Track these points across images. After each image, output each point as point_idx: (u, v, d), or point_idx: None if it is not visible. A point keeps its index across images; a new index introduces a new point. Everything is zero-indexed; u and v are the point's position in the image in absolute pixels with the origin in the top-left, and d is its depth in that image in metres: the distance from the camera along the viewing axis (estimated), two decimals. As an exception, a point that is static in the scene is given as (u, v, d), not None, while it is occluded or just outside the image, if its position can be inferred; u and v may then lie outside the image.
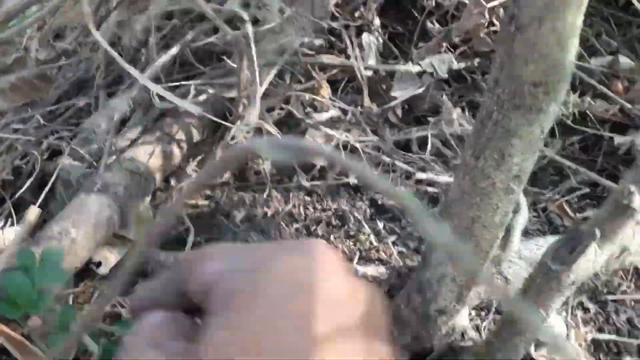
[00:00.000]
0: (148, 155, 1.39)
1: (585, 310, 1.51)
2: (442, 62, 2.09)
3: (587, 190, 1.81)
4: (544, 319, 1.02)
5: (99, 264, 1.27)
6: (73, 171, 1.29)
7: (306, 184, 1.72)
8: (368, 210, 1.72)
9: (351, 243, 1.56)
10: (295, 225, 1.60)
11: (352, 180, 1.72)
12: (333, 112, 1.83)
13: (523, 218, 1.57)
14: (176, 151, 1.49)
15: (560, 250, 0.99)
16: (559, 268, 0.97)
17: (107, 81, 1.55)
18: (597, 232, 0.95)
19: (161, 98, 1.40)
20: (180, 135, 1.51)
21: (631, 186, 0.93)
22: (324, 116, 1.81)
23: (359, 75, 1.80)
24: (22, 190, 1.30)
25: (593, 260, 0.96)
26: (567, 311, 1.47)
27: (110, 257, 1.29)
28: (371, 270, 1.37)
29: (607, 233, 0.97)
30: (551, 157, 1.92)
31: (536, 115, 0.94)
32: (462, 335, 1.22)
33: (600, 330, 1.45)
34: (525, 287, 1.02)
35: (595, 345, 1.41)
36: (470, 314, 1.31)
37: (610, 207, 0.97)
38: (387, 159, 1.79)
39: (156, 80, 1.51)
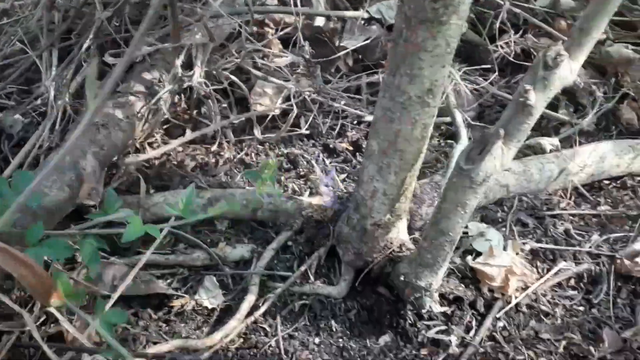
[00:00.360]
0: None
1: (524, 225, 1.61)
2: (390, 8, 2.17)
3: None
4: (462, 216, 1.12)
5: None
6: (15, 125, 1.37)
7: (259, 135, 1.79)
8: (321, 154, 1.81)
9: (302, 182, 1.66)
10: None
11: (305, 130, 1.81)
12: (283, 61, 1.90)
13: (463, 146, 1.67)
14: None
15: (471, 152, 1.08)
16: (470, 167, 1.06)
17: (51, 40, 1.58)
18: (501, 131, 1.04)
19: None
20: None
21: (527, 85, 1.02)
22: (274, 65, 1.88)
23: (300, 26, 1.85)
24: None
25: (500, 157, 1.05)
26: (505, 226, 1.58)
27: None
28: (316, 200, 1.47)
29: (511, 131, 1.05)
30: (494, 93, 2.03)
31: (439, 27, 1.02)
32: (401, 247, 1.32)
33: (538, 241, 1.56)
34: (446, 188, 1.12)
35: (534, 254, 1.52)
36: (412, 234, 1.40)
37: (511, 108, 1.05)
38: (338, 105, 1.88)
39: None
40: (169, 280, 1.37)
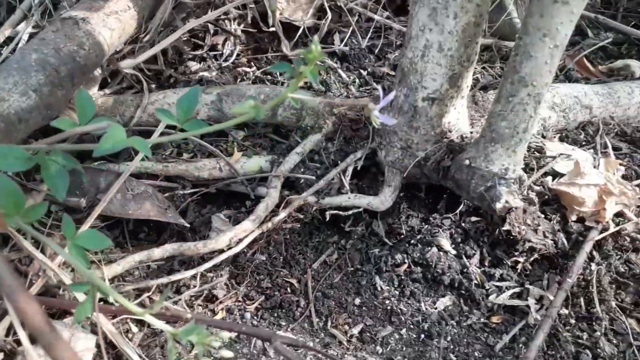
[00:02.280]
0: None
1: (616, 149, 1.27)
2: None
3: (608, 42, 1.61)
4: (551, 53, 0.81)
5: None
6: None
7: (288, 51, 1.51)
8: (357, 79, 1.50)
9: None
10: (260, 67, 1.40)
11: (342, 46, 1.52)
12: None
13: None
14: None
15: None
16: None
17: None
18: None
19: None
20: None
21: None
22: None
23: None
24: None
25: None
26: (594, 148, 1.24)
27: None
28: (351, 100, 1.17)
29: None
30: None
31: None
32: (462, 138, 1.00)
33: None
34: (527, 15, 0.82)
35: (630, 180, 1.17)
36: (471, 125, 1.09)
37: None
38: (379, 19, 1.58)
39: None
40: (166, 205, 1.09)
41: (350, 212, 1.04)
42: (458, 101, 0.99)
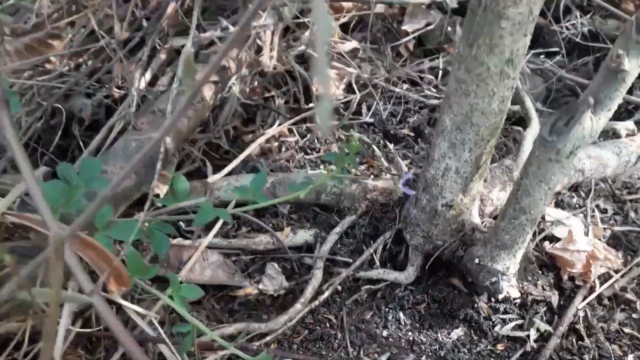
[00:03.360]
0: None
1: (603, 211, 1.51)
2: (451, -8, 2.10)
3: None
4: (545, 193, 1.04)
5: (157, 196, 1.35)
6: (85, 108, 1.37)
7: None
8: (381, 140, 1.75)
9: (364, 168, 1.60)
10: (310, 157, 1.64)
11: (366, 119, 1.75)
12: (346, 47, 1.86)
13: (534, 130, 1.58)
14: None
15: (557, 124, 1.00)
16: (555, 139, 0.98)
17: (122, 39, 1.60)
18: (591, 100, 0.96)
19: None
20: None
21: (619, 50, 0.94)
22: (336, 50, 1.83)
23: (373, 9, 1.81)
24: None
25: (590, 127, 0.97)
26: (584, 213, 1.48)
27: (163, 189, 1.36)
28: (382, 182, 1.41)
29: (602, 99, 0.97)
30: (562, 76, 1.92)
31: (521, -8, 0.95)
32: (473, 231, 1.24)
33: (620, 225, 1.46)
34: (527, 163, 1.04)
35: (616, 243, 1.42)
36: (482, 216, 1.33)
37: (602, 74, 0.97)
38: (400, 91, 1.82)
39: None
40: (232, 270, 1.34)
41: (380, 285, 1.30)
42: (471, 204, 1.22)
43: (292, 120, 1.65)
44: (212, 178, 1.30)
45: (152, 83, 1.53)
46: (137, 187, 1.29)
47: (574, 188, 1.57)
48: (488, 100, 1.06)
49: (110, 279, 0.82)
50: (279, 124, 1.66)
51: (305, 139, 1.69)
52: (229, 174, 1.43)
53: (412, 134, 1.76)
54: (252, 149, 1.47)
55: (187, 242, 1.32)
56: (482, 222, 1.30)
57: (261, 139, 1.50)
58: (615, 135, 1.71)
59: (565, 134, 0.98)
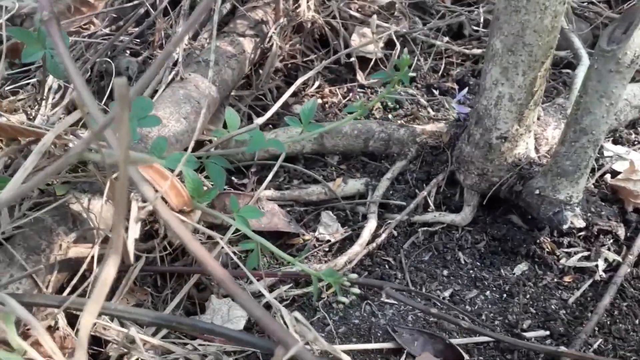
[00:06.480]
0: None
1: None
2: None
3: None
4: (607, 109, 0.99)
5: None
6: (131, 66, 1.39)
7: (363, 80, 1.72)
8: (424, 95, 1.71)
9: (409, 119, 1.57)
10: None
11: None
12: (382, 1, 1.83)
13: (584, 67, 1.52)
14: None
15: (615, 32, 0.96)
16: (615, 48, 0.94)
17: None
18: (652, 2, 0.92)
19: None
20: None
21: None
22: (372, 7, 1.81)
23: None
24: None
25: (651, 32, 0.92)
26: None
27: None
28: (430, 126, 1.38)
29: (663, 1, 0.93)
30: (609, 16, 1.84)
31: None
32: (530, 165, 1.20)
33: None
34: (586, 78, 1.00)
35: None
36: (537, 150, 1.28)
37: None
38: (440, 44, 1.78)
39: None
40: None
41: (436, 228, 1.27)
42: (526, 136, 1.18)
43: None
44: (257, 120, 1.29)
45: (194, 37, 1.53)
46: (188, 133, 1.26)
47: (632, 125, 1.50)
48: (540, 15, 1.02)
49: (171, 195, 0.83)
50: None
51: (346, 99, 1.67)
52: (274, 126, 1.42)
53: (457, 86, 1.72)
54: (293, 89, 1.45)
55: (245, 191, 1.32)
56: (538, 158, 1.26)
57: (299, 81, 1.47)
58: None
59: (625, 41, 0.94)
